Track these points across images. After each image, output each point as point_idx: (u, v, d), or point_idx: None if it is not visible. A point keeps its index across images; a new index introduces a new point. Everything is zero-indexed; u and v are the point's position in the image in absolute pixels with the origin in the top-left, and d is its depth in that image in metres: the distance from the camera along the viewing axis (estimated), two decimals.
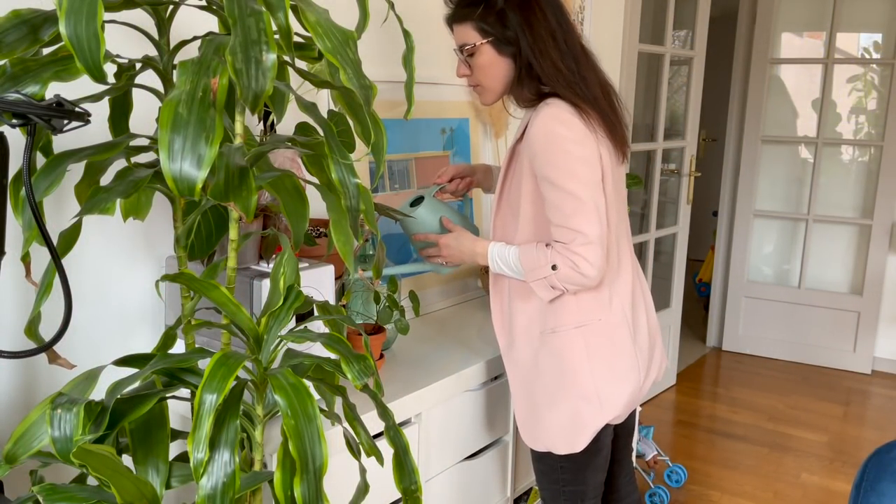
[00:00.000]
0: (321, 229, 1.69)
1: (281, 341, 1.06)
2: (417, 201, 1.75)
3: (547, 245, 1.49)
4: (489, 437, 1.89)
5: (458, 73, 1.58)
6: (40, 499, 0.93)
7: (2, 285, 1.36)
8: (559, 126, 1.43)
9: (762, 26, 4.15)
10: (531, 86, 1.51)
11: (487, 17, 1.48)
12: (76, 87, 1.32)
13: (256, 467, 1.11)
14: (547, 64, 1.47)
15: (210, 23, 1.56)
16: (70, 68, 0.97)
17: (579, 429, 1.56)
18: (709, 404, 3.68)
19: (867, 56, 4.11)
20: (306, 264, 1.40)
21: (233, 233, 1.07)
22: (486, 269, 2.36)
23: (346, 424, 1.43)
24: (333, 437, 1.39)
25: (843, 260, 4.23)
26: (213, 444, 0.94)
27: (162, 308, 1.61)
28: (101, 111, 1.31)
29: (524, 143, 1.51)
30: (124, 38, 1.42)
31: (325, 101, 1.88)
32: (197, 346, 1.31)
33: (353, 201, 1.03)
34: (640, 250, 3.51)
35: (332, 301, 1.43)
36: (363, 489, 1.16)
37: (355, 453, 1.16)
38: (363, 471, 1.16)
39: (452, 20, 1.54)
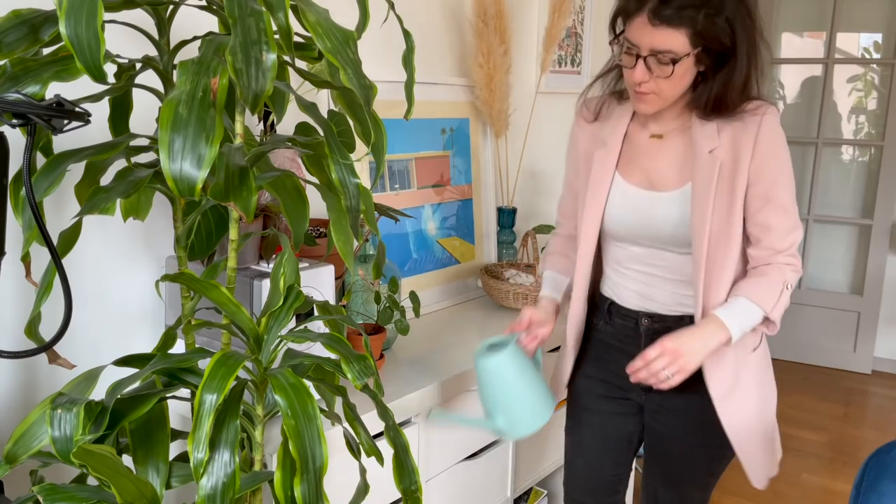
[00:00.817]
0: (321, 229, 1.69)
1: (281, 341, 1.06)
2: (494, 348, 1.43)
3: (759, 274, 1.42)
4: (489, 437, 1.89)
5: (636, 77, 1.34)
6: (40, 499, 0.93)
7: (2, 285, 1.36)
8: (783, 135, 1.40)
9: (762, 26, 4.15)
10: (738, 92, 1.36)
11: (711, 27, 1.28)
12: (76, 87, 1.32)
13: (256, 467, 1.11)
14: (758, 68, 1.37)
15: (210, 23, 1.56)
16: (70, 68, 0.97)
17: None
18: None
19: (867, 56, 4.11)
20: (306, 264, 1.40)
21: (233, 233, 1.07)
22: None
23: (346, 424, 1.43)
24: (333, 437, 1.39)
25: (843, 260, 4.23)
26: (213, 444, 0.94)
27: (162, 308, 1.61)
28: (101, 111, 1.31)
29: (743, 151, 1.37)
30: (124, 38, 1.42)
31: (325, 101, 1.88)
32: (197, 346, 1.31)
33: (353, 201, 1.03)
34: None
35: (332, 301, 1.43)
36: (363, 489, 1.16)
37: (355, 453, 1.16)
38: (363, 471, 1.16)
39: (666, 21, 1.28)
